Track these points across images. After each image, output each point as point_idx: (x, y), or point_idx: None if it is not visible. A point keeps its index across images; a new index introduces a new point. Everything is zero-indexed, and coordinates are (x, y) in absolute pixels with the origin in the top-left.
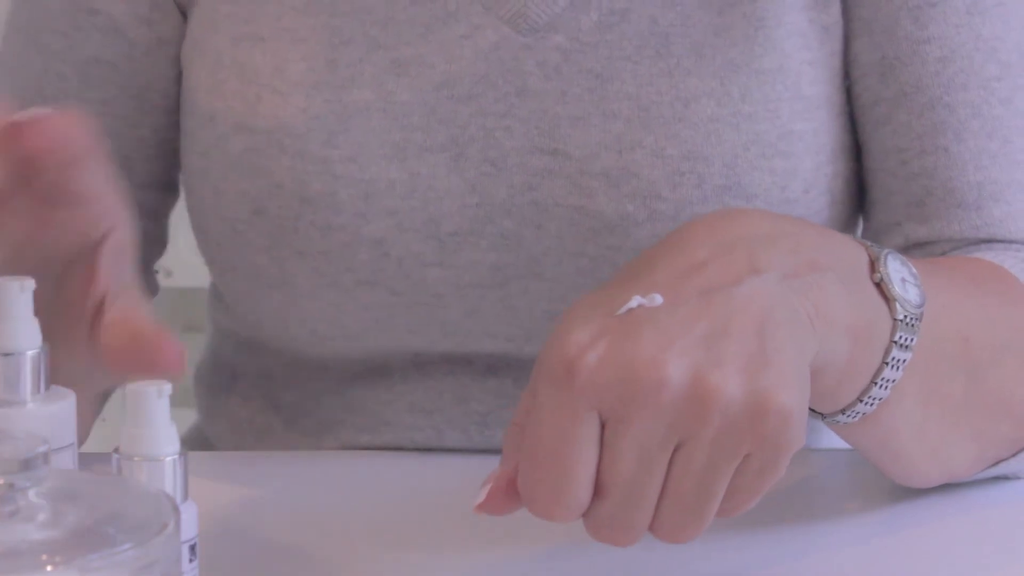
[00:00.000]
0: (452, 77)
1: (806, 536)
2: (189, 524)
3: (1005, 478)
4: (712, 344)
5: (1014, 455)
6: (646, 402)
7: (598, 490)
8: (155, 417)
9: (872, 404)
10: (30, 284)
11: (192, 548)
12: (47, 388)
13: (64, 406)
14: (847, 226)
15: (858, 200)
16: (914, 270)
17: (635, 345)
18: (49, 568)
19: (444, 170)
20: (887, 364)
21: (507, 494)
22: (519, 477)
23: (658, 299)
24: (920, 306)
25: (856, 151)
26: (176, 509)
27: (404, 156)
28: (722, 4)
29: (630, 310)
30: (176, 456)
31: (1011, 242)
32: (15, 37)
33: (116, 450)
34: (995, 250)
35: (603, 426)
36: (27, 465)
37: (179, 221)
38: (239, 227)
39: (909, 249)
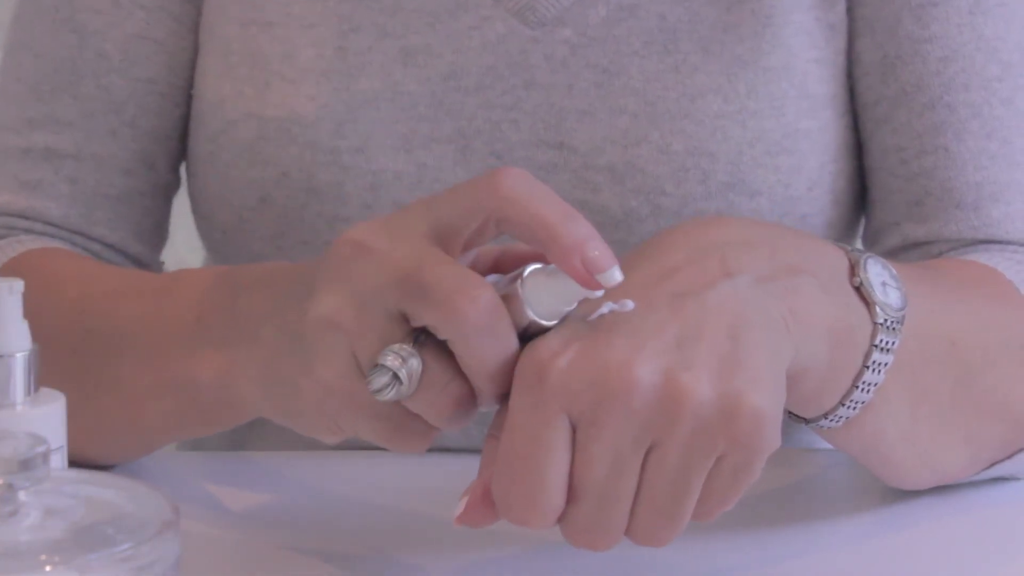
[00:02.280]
0: (459, 68)
1: (806, 536)
2: None
3: (1003, 479)
4: (684, 347)
5: (1009, 457)
6: (617, 405)
7: (572, 495)
8: None
9: (854, 408)
10: (19, 286)
11: None
12: (37, 390)
13: (54, 408)
14: (850, 225)
15: (861, 199)
16: (895, 273)
17: (606, 349)
18: (48, 568)
19: (450, 162)
20: (868, 368)
21: (484, 505)
22: (493, 485)
23: (629, 305)
24: (901, 310)
25: (859, 150)
26: (177, 509)
27: (411, 147)
28: (730, 1)
29: (601, 316)
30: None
31: (1008, 243)
32: (37, 20)
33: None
34: (991, 251)
35: (575, 430)
36: (27, 465)
37: (176, 219)
38: (245, 215)
39: (907, 249)
